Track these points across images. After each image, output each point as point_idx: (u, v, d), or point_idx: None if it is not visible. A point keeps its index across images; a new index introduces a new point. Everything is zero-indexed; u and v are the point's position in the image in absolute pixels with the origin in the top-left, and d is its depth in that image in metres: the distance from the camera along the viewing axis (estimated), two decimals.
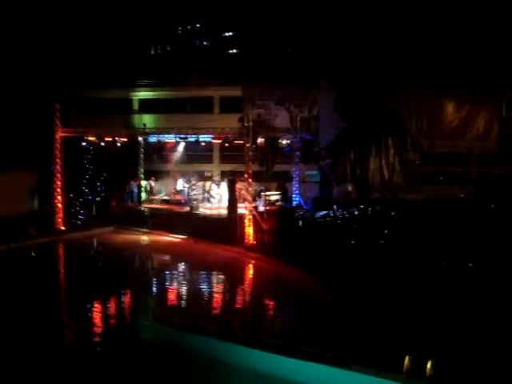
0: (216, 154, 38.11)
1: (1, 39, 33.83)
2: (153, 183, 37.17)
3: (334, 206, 30.86)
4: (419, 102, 35.05)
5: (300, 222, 28.77)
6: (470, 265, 19.67)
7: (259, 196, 32.23)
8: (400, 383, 11.54)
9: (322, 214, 30.36)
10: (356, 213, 29.62)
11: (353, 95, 35.03)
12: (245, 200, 28.08)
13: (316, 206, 32.30)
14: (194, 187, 33.68)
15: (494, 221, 25.58)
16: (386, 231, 25.24)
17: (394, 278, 18.94)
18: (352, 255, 22.14)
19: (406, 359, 11.64)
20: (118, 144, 32.64)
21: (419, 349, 12.27)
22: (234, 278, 23.04)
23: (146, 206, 34.18)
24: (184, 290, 21.80)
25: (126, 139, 32.84)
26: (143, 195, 35.71)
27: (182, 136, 30.80)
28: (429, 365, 11.43)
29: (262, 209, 30.01)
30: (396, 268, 19.80)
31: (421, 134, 35.18)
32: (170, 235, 30.16)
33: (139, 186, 35.79)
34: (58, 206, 30.38)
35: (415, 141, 35.25)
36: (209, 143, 34.25)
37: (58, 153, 30.35)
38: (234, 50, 40.69)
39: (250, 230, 27.20)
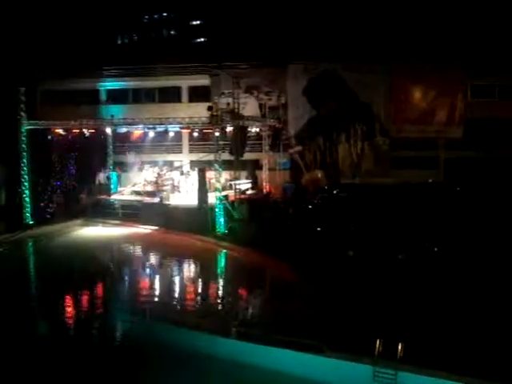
0: (185, 144, 37.88)
1: None
2: (122, 174, 36.84)
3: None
4: (387, 88, 35.38)
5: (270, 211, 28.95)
6: (435, 249, 20.01)
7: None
8: (371, 366, 11.79)
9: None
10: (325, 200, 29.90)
11: (321, 83, 35.15)
12: (215, 189, 28.05)
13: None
14: (163, 177, 33.43)
15: (460, 203, 26.05)
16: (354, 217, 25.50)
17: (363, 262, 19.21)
18: (321, 241, 22.33)
19: (377, 343, 11.88)
20: (86, 135, 32.20)
21: (387, 332, 12.51)
22: (204, 268, 23.12)
23: (116, 197, 33.81)
24: (153, 280, 21.91)
25: (93, 130, 32.43)
26: (113, 186, 35.32)
27: (151, 126, 30.55)
28: (399, 347, 11.69)
29: (232, 197, 29.97)
30: (364, 253, 20.02)
31: (389, 120, 35.56)
32: (141, 226, 29.97)
33: (109, 178, 35.41)
34: (25, 200, 29.94)
35: (383, 126, 35.61)
36: (178, 133, 34.10)
37: (24, 146, 29.85)
38: (202, 39, 40.38)
39: (220, 219, 27.19)
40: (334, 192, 31.78)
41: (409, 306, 15.07)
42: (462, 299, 15.50)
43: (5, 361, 13.25)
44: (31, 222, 29.95)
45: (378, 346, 11.83)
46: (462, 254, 18.97)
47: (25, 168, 29.89)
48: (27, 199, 29.95)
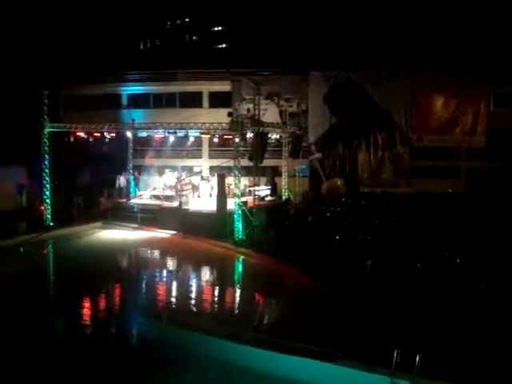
0: (205, 149, 38.02)
1: None
2: (142, 178, 37.04)
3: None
4: (408, 97, 35.14)
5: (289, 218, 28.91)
6: (458, 260, 19.76)
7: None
8: (387, 377, 11.64)
9: None
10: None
11: (342, 90, 35.06)
12: (234, 195, 28.04)
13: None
14: (183, 182, 33.53)
15: (481, 214, 25.73)
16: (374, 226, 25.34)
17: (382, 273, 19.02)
18: (340, 250, 22.19)
19: (395, 353, 11.73)
20: (108, 139, 32.46)
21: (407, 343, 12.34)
22: (222, 274, 23.12)
23: (135, 201, 33.94)
24: (171, 284, 21.88)
25: (114, 134, 32.68)
26: (132, 190, 35.53)
27: (171, 131, 30.64)
28: (417, 359, 11.53)
29: (251, 204, 29.93)
30: (384, 264, 19.82)
31: (409, 129, 35.31)
32: (159, 231, 30.05)
33: (128, 181, 35.62)
34: (46, 202, 30.22)
35: (404, 135, 35.37)
36: (198, 138, 34.24)
37: (46, 148, 30.15)
38: (224, 45, 40.61)
39: (239, 225, 27.17)
40: (354, 200, 31.62)
41: (421, 314, 14.89)
42: (480, 309, 15.26)
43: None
44: (52, 224, 30.22)
45: (395, 356, 11.68)
46: (484, 265, 18.69)
47: (46, 170, 30.15)
48: (48, 201, 30.22)
